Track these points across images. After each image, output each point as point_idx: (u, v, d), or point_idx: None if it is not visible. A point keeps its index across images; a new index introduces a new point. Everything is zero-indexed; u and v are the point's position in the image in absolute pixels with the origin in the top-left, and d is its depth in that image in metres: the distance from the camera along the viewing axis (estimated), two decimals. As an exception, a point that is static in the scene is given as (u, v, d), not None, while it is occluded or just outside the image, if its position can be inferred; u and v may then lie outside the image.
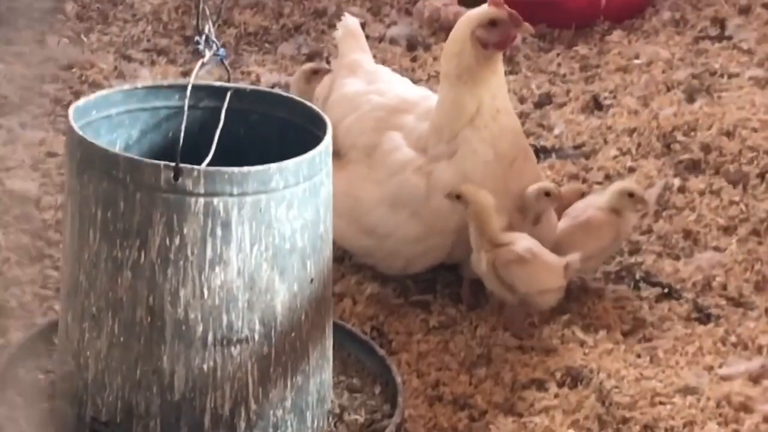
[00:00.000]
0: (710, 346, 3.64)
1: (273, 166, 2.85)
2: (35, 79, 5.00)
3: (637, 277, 3.99)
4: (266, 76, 5.12)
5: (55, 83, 4.98)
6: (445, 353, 3.60)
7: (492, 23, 3.71)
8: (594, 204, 3.90)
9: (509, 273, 3.64)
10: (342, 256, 3.97)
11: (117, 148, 3.09)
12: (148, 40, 5.39)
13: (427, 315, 3.77)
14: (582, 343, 3.65)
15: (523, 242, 3.66)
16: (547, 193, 3.78)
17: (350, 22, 4.19)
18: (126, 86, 3.21)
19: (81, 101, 3.07)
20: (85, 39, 5.33)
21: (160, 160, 2.83)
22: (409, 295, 3.86)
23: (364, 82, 4.05)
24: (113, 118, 3.13)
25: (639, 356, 3.60)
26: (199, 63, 2.95)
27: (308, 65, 4.33)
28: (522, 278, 3.63)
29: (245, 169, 2.83)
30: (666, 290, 3.92)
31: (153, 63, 5.21)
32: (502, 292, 3.68)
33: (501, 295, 3.70)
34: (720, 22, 5.56)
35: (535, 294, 3.66)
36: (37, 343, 3.35)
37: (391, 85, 4.04)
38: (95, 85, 4.91)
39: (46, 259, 3.92)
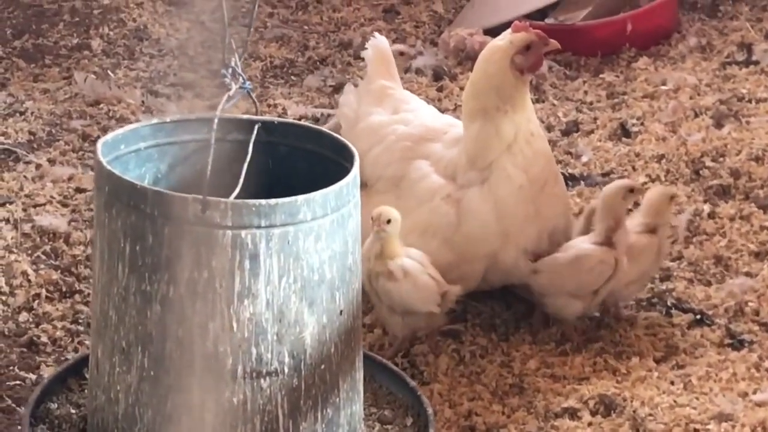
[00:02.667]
0: (744, 372, 3.62)
1: (300, 197, 2.85)
2: (63, 116, 5.03)
3: (669, 303, 3.98)
4: (293, 108, 5.13)
5: (82, 119, 5.01)
6: (477, 383, 3.59)
7: (526, 48, 3.72)
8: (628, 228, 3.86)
9: (378, 284, 3.62)
10: (373, 287, 3.97)
11: (146, 182, 3.10)
12: (175, 75, 5.41)
13: (459, 345, 3.76)
14: (615, 371, 3.64)
15: (403, 260, 3.62)
16: (631, 190, 3.76)
17: (380, 41, 4.18)
18: (154, 120, 3.21)
19: (109, 136, 3.08)
20: (112, 75, 5.36)
21: (189, 193, 2.83)
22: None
23: (389, 111, 4.05)
24: (142, 152, 3.13)
25: (672, 383, 3.59)
26: (225, 96, 2.96)
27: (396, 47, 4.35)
28: (387, 293, 3.60)
29: (272, 201, 2.83)
30: (698, 316, 3.90)
31: (180, 97, 5.23)
32: (376, 302, 3.66)
33: (376, 306, 3.68)
34: (747, 47, 5.55)
35: (400, 313, 3.64)
36: (69, 378, 3.35)
37: (417, 114, 4.03)
38: (123, 121, 4.93)
39: (77, 294, 3.93)
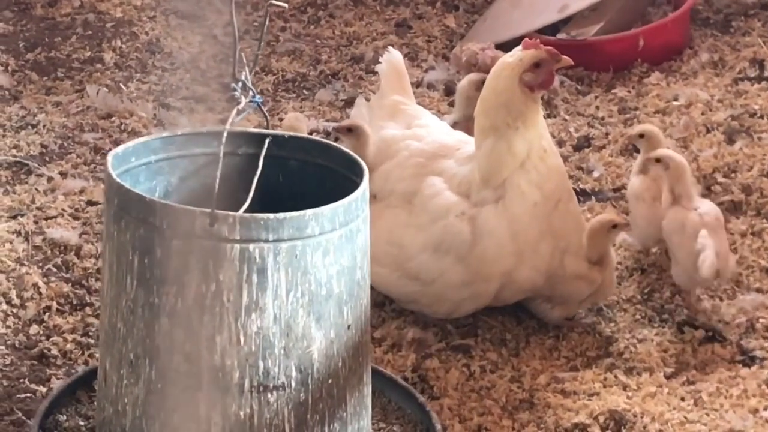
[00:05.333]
0: (755, 389, 3.62)
1: (308, 212, 2.85)
2: (75, 129, 5.03)
3: (680, 319, 3.96)
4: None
5: (94, 132, 5.01)
6: (487, 398, 3.58)
7: (536, 65, 3.71)
8: None
9: None
10: (382, 301, 3.97)
11: (156, 195, 3.10)
12: (187, 89, 5.42)
13: (469, 359, 3.76)
14: (625, 387, 3.63)
15: None
16: None
17: (394, 56, 4.18)
18: (165, 133, 3.22)
19: (120, 148, 3.09)
20: (124, 88, 5.37)
21: (199, 206, 2.83)
22: (451, 340, 3.85)
23: (402, 126, 4.05)
24: (152, 165, 3.14)
25: (683, 399, 3.58)
26: (235, 109, 2.96)
27: (477, 75, 4.40)
28: None
29: (281, 215, 2.83)
30: (709, 333, 3.89)
31: (192, 111, 5.24)
32: None
33: None
34: (759, 63, 5.52)
35: None
36: (78, 390, 3.37)
37: (429, 130, 4.02)
38: (134, 134, 4.94)
39: (87, 307, 3.94)
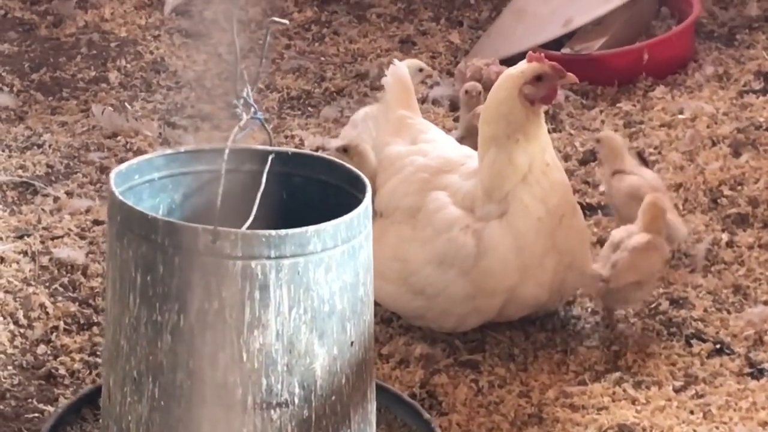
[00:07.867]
0: (764, 401, 3.61)
1: (310, 228, 2.85)
2: (80, 148, 5.04)
3: (688, 332, 3.95)
4: (309, 139, 5.14)
5: (100, 151, 5.02)
6: (495, 413, 3.58)
7: (538, 78, 3.71)
8: None
9: None
10: (390, 318, 3.97)
11: (160, 212, 3.10)
12: (192, 107, 5.43)
13: (477, 375, 3.75)
14: (634, 400, 3.63)
15: None
16: None
17: (400, 69, 4.18)
18: (168, 150, 3.22)
19: (123, 166, 3.09)
20: (129, 107, 5.38)
21: (202, 223, 2.83)
22: (459, 356, 3.85)
23: (408, 141, 4.05)
24: (156, 182, 3.14)
25: (692, 412, 3.58)
26: (237, 126, 2.97)
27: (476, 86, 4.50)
28: None
29: (282, 231, 2.82)
30: (717, 346, 3.89)
31: (197, 129, 5.25)
32: None
33: None
34: (764, 76, 5.52)
35: None
36: (84, 407, 3.38)
37: (435, 145, 4.02)
38: (140, 153, 4.93)
39: (95, 326, 3.94)
